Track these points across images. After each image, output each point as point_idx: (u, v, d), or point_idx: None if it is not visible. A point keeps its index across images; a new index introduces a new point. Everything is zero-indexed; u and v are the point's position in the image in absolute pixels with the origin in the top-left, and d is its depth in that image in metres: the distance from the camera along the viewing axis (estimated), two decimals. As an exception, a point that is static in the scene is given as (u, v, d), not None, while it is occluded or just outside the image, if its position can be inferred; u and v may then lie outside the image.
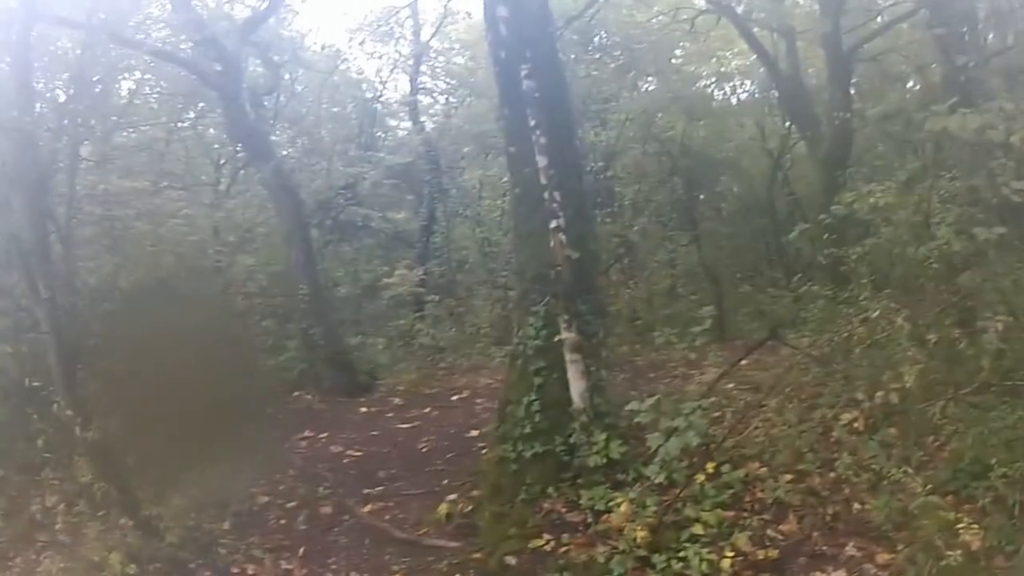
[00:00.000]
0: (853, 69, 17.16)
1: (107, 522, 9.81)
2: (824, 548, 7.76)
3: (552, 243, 9.33)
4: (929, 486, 7.78)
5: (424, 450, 12.20)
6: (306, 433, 13.55)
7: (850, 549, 7.65)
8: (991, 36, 14.07)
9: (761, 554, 7.70)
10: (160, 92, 18.81)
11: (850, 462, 8.55)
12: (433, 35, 23.30)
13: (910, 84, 17.86)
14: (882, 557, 7.41)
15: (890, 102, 8.69)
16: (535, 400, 9.50)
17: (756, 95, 22.85)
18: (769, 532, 8.04)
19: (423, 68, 23.69)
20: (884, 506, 7.75)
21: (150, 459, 10.48)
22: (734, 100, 23.73)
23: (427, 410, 14.12)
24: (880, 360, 9.61)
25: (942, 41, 10.40)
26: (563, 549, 8.16)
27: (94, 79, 13.67)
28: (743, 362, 11.62)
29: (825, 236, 12.65)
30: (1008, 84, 9.80)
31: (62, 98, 13.87)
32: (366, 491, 10.90)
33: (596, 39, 20.72)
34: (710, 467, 8.61)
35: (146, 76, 17.99)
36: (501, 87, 10.22)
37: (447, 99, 25.60)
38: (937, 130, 7.55)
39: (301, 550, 9.53)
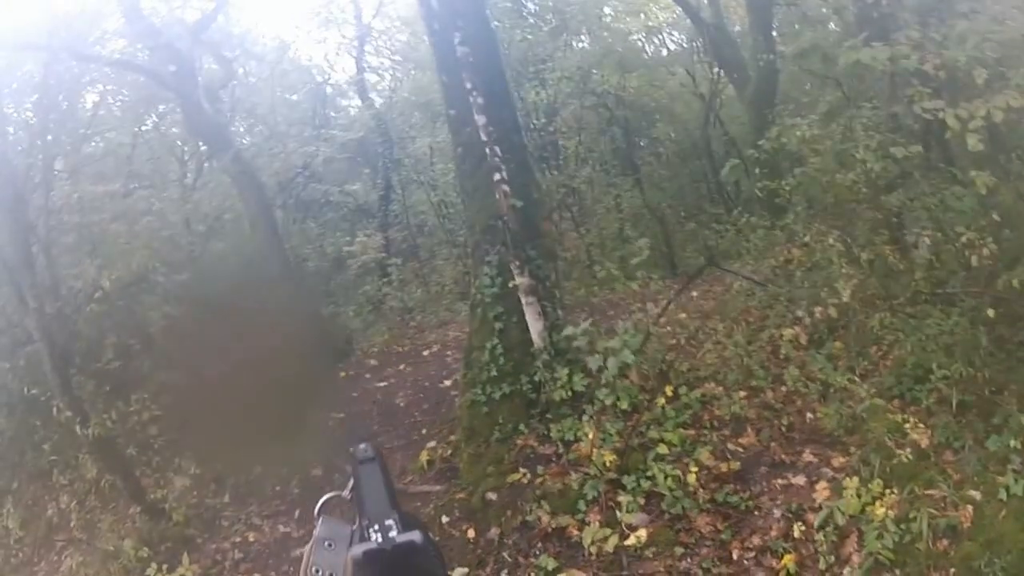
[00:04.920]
0: (773, 14, 17.14)
1: (117, 512, 9.87)
2: (783, 456, 7.83)
3: (497, 195, 9.32)
4: (875, 392, 7.87)
5: (402, 404, 12.18)
6: (289, 402, 13.45)
7: (807, 455, 7.73)
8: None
9: (724, 467, 7.77)
10: (122, 100, 18.58)
11: (799, 375, 8.64)
12: (374, 16, 23.08)
13: (830, 26, 17.84)
14: (837, 460, 7.50)
15: (805, 40, 8.62)
16: (498, 344, 9.48)
17: (684, 45, 22.81)
18: (729, 446, 8.11)
19: (367, 48, 23.46)
20: (835, 413, 7.84)
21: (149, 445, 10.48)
22: (664, 51, 23.70)
23: (401, 367, 14.07)
24: (819, 280, 9.68)
25: (855, -19, 10.35)
26: (539, 480, 8.18)
27: (59, 97, 13.49)
28: (694, 294, 11.69)
29: (758, 170, 12.67)
30: (920, 20, 9.73)
31: (32, 119, 13.68)
32: (351, 450, 10.87)
33: (529, 4, 20.59)
34: (668, 390, 8.65)
35: (108, 87, 17.78)
36: (437, 56, 10.19)
37: (392, 74, 25.42)
38: (851, 63, 7.51)
39: (296, 512, 9.57)
